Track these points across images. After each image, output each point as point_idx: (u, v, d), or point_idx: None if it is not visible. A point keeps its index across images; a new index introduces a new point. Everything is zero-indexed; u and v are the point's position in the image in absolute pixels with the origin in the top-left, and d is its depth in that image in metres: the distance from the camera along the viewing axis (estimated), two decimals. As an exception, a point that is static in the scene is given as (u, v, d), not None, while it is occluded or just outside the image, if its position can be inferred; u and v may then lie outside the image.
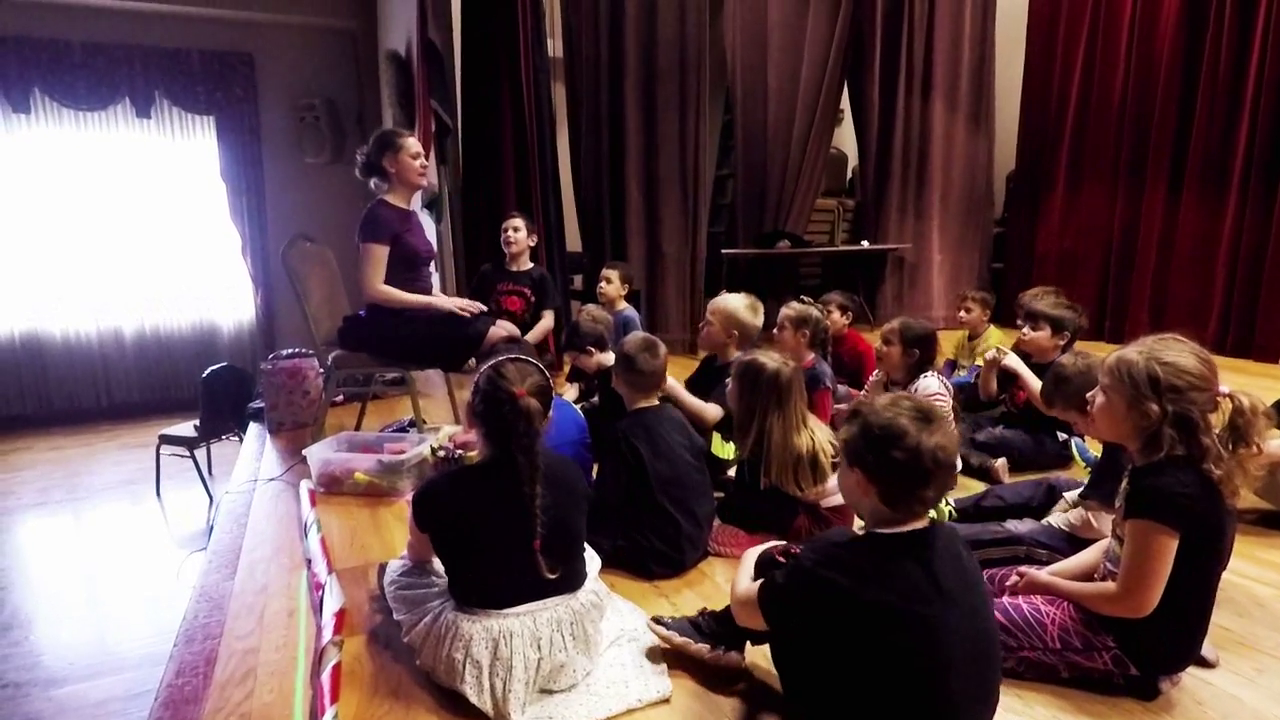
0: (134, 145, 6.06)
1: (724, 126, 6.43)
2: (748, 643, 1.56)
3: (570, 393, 3.37)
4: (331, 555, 2.09)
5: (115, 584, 3.44)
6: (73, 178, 5.94)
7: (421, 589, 1.60)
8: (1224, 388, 1.49)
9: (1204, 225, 5.13)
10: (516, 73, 4.27)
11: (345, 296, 3.26)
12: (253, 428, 3.52)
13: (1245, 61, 4.84)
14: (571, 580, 1.53)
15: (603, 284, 3.82)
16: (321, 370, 3.20)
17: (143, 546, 3.87)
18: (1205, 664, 1.65)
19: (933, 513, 2.30)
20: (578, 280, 5.13)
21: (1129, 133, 5.54)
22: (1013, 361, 2.85)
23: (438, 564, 1.62)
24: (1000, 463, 2.69)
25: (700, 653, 1.55)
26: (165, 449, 4.43)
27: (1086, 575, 1.67)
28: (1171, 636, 1.49)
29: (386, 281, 2.72)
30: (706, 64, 4.98)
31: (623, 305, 3.81)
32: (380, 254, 2.72)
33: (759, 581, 1.38)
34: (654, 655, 1.61)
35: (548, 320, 3.77)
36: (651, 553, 1.97)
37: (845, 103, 6.40)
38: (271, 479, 2.80)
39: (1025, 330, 2.96)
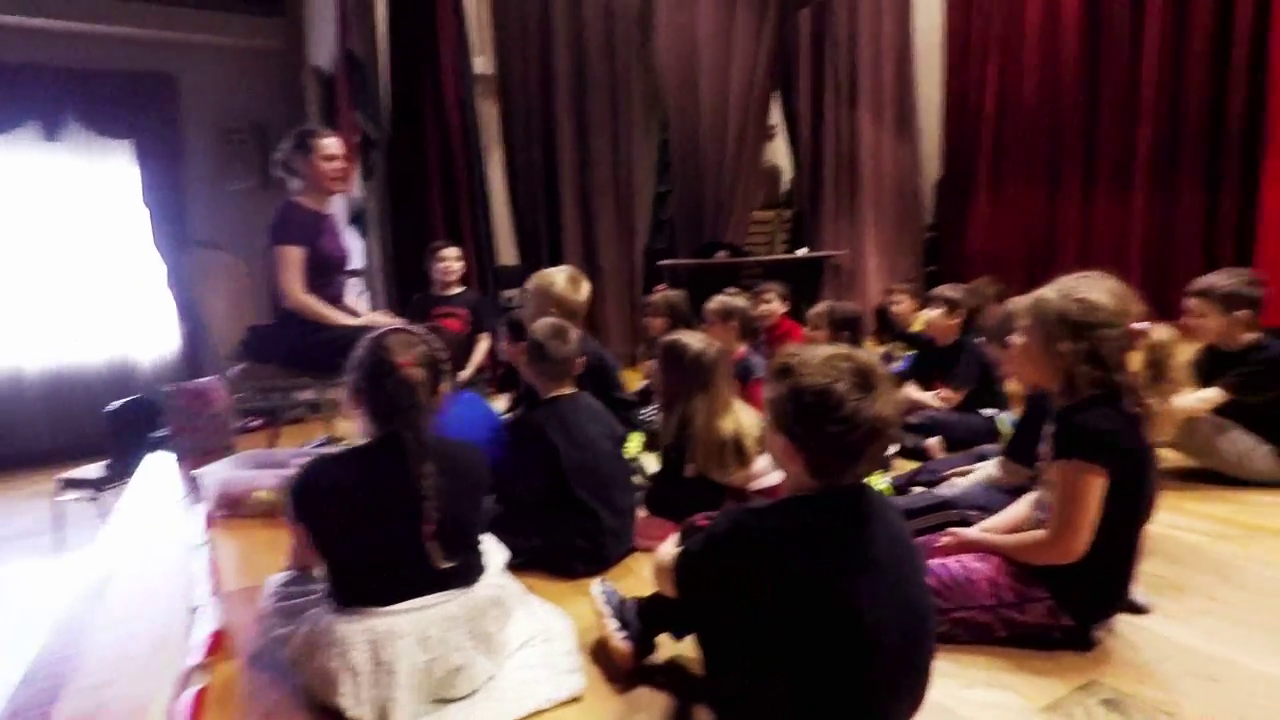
0: (42, 171, 5.72)
1: (661, 144, 6.47)
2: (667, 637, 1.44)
3: (501, 402, 3.25)
4: (219, 577, 1.90)
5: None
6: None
7: (302, 597, 1.43)
8: (1142, 324, 1.46)
9: (1116, 220, 5.33)
10: (440, 86, 4.20)
11: (256, 310, 3.07)
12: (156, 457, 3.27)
13: (1139, 65, 5.10)
14: (468, 573, 1.39)
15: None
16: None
17: (37, 604, 3.53)
18: (1139, 610, 1.61)
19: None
20: (516, 295, 5.03)
21: (1042, 136, 5.76)
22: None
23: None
24: (934, 441, 2.67)
25: (608, 630, 1.43)
26: (68, 494, 4.08)
27: (1017, 529, 1.62)
28: (1102, 580, 1.44)
29: None
30: (636, 77, 4.99)
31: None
32: (295, 256, 2.56)
33: (680, 549, 1.25)
34: (569, 653, 1.47)
35: (485, 343, 3.71)
36: (571, 550, 1.84)
37: (777, 118, 6.54)
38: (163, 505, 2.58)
39: (931, 314, 3.02)
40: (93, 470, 4.07)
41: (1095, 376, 1.41)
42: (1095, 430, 1.37)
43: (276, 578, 1.54)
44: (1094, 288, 1.45)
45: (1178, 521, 2.10)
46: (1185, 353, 1.49)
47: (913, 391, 2.93)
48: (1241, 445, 2.33)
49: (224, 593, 1.83)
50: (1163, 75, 4.93)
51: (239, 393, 2.73)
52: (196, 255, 2.80)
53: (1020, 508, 1.67)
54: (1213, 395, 2.33)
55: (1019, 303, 1.54)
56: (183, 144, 6.05)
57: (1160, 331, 1.45)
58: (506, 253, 5.00)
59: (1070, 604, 1.44)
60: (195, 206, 6.07)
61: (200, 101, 6.08)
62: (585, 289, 2.72)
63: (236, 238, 5.92)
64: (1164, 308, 4.89)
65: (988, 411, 2.81)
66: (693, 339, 2.00)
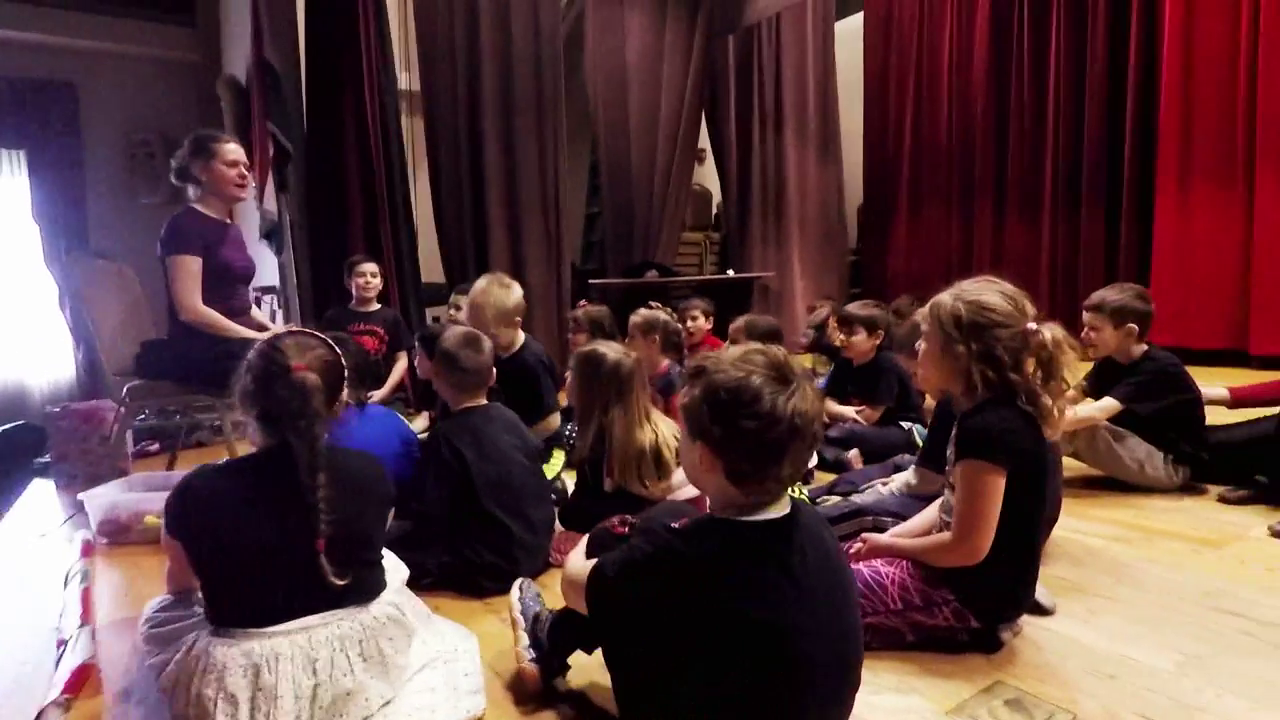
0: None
1: (592, 166, 6.50)
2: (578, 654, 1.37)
3: (420, 421, 3.14)
4: (93, 608, 1.73)
5: None
6: None
7: (180, 622, 1.31)
8: (1031, 325, 1.51)
9: (1026, 243, 5.65)
10: (361, 99, 4.10)
11: (150, 323, 2.87)
12: (36, 484, 3.01)
13: (1044, 100, 5.45)
14: (363, 591, 1.30)
15: (451, 310, 3.65)
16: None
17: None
18: (1044, 611, 1.65)
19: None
20: (442, 313, 4.91)
21: (957, 163, 6.08)
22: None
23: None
24: (853, 453, 2.71)
25: (519, 647, 1.36)
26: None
27: (927, 533, 1.64)
28: (1005, 581, 1.46)
29: None
30: (563, 94, 5.01)
31: (476, 329, 3.62)
32: (192, 266, 2.39)
33: (592, 563, 1.16)
34: (471, 673, 1.40)
35: (402, 362, 3.61)
36: (480, 566, 1.76)
37: (706, 142, 6.68)
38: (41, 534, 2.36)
39: (843, 336, 3.04)
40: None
41: (991, 377, 1.44)
42: (991, 430, 1.40)
43: (154, 602, 1.41)
44: (987, 290, 1.49)
45: (1080, 526, 2.19)
46: (1073, 358, 1.53)
47: (832, 406, 2.97)
48: (1139, 453, 2.44)
49: (98, 624, 1.67)
50: (1066, 110, 5.30)
51: (132, 413, 2.53)
52: (84, 265, 2.60)
53: (930, 513, 1.70)
54: (1108, 405, 2.45)
55: (922, 310, 1.57)
56: (82, 156, 5.71)
57: (1050, 331, 1.49)
58: (433, 271, 4.89)
59: (975, 605, 1.46)
60: (97, 221, 5.74)
61: (104, 112, 5.77)
62: (517, 291, 2.69)
63: (143, 255, 5.62)
64: (1072, 324, 5.23)
65: (906, 425, 2.88)
66: (609, 349, 1.96)
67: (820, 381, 3.68)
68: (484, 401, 1.93)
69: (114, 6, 5.61)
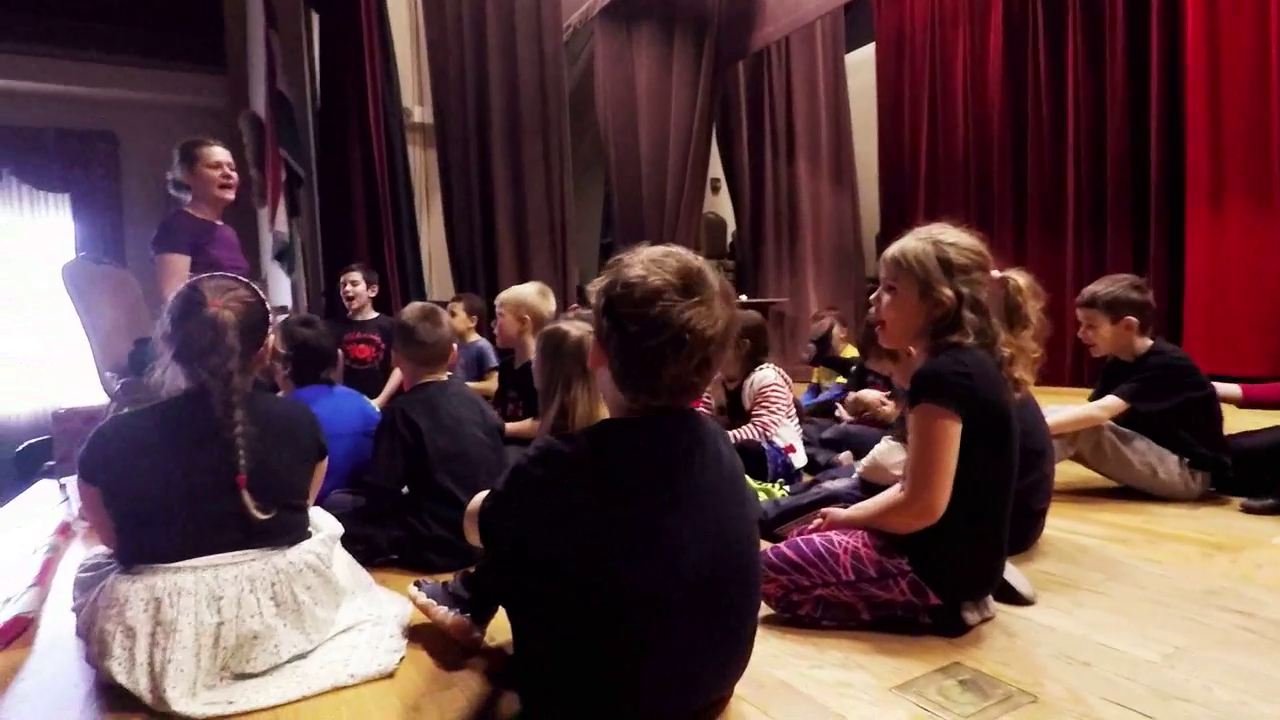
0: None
1: (606, 195, 6.61)
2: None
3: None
4: (51, 575, 1.74)
5: None
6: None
7: (104, 570, 1.30)
8: (995, 271, 1.44)
9: (1049, 263, 5.48)
10: (367, 126, 4.27)
11: (149, 324, 2.96)
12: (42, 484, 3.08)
13: (1063, 118, 5.36)
14: (279, 534, 1.27)
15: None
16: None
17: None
18: (1022, 601, 1.52)
19: (764, 491, 2.17)
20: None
21: (974, 186, 6.00)
22: None
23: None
24: (844, 455, 2.62)
25: (438, 615, 1.32)
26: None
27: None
28: (967, 551, 1.36)
29: None
30: (567, 118, 5.14)
31: (474, 337, 3.65)
32: (179, 264, 2.48)
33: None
34: (395, 635, 1.35)
35: (399, 372, 3.63)
36: (429, 540, 1.72)
37: (721, 172, 6.75)
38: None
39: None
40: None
41: (977, 321, 1.36)
42: (943, 372, 1.32)
43: (87, 554, 1.40)
44: (956, 233, 1.43)
45: (1076, 527, 2.05)
46: (1039, 307, 1.46)
47: (867, 394, 2.87)
48: (1150, 456, 2.27)
49: (53, 591, 1.67)
50: (1086, 125, 5.19)
51: (125, 408, 2.59)
52: (85, 268, 2.71)
53: (893, 490, 1.60)
54: (1110, 403, 2.29)
55: (884, 257, 1.49)
56: (121, 199, 6.05)
57: (1016, 276, 1.42)
58: (446, 292, 4.99)
59: (933, 577, 1.36)
60: (135, 258, 6.03)
61: (141, 158, 6.13)
62: (553, 302, 2.71)
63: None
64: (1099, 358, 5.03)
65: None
66: (572, 326, 1.93)
67: (827, 394, 3.59)
68: (443, 378, 1.92)
69: (151, 59, 6.00)
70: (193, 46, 6.02)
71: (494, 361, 3.40)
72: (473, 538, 1.14)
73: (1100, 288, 2.37)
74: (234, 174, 2.62)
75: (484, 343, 3.62)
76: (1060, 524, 2.03)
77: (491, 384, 3.24)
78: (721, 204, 7.13)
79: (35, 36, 5.60)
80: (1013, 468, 1.41)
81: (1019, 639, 1.39)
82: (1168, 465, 2.27)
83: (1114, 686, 1.21)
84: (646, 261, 0.97)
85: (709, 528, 1.00)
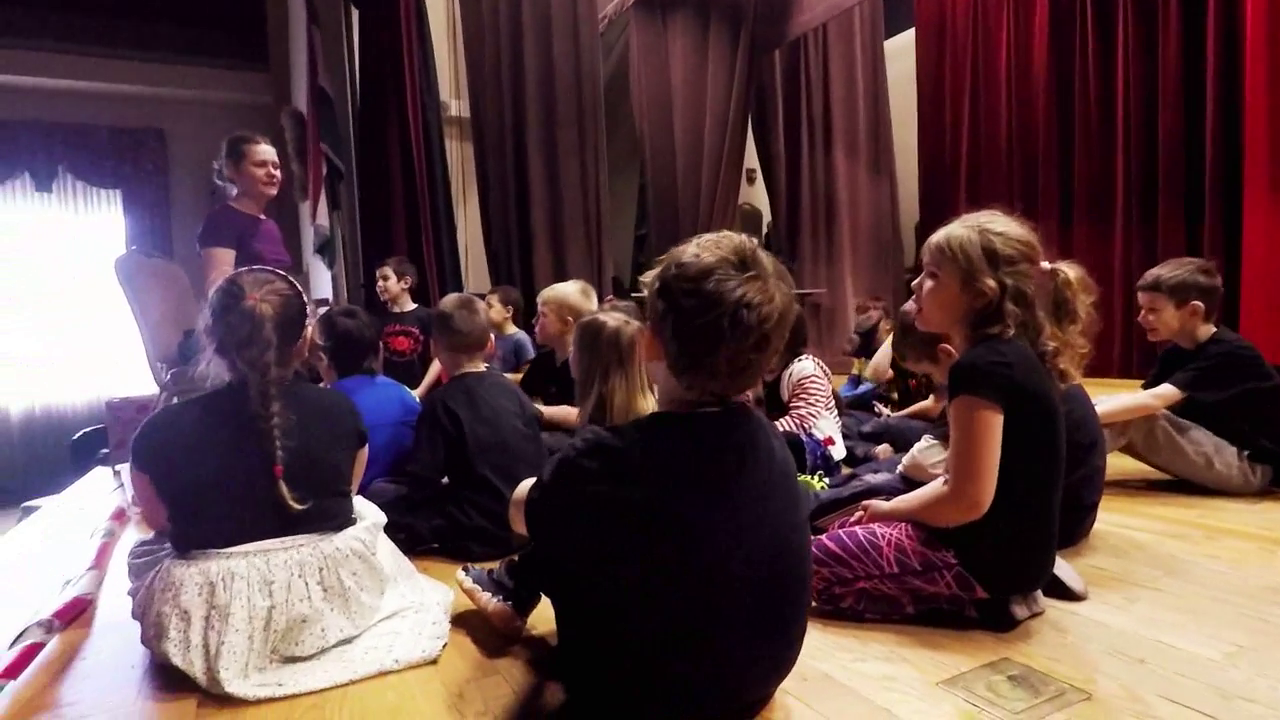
0: (33, 219, 5.90)
1: (641, 188, 6.59)
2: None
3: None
4: (108, 558, 1.81)
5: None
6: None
7: (156, 555, 1.34)
8: (1044, 263, 1.40)
9: (1096, 255, 5.30)
10: (405, 117, 4.32)
11: (197, 316, 3.05)
12: (97, 471, 3.21)
13: (1112, 102, 5.17)
14: (324, 520, 1.30)
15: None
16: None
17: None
18: (1072, 597, 1.48)
19: (803, 484, 2.14)
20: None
21: (1018, 174, 5.82)
22: None
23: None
24: (882, 448, 2.58)
25: (481, 601, 1.33)
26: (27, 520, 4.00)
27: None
28: (1013, 543, 1.32)
29: None
30: (602, 107, 5.13)
31: (511, 329, 3.68)
32: (224, 258, 2.55)
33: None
34: (438, 622, 1.37)
35: (438, 364, 3.68)
36: (469, 529, 1.74)
37: (756, 163, 6.67)
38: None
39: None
40: (54, 499, 4.01)
41: (1019, 314, 1.32)
42: (983, 364, 1.28)
43: (138, 539, 1.45)
44: (1005, 220, 1.39)
45: (1128, 521, 1.98)
46: (1090, 301, 1.41)
47: (908, 416, 2.87)
48: (1206, 447, 2.18)
49: (107, 572, 1.73)
50: (1135, 110, 5.00)
51: (173, 397, 2.67)
52: (135, 260, 2.80)
53: (937, 483, 1.57)
54: (1165, 392, 2.21)
55: (928, 242, 1.45)
56: (169, 194, 6.23)
57: (1067, 269, 1.38)
58: (482, 284, 5.05)
59: (980, 570, 1.33)
60: (182, 251, 6.21)
61: (188, 155, 6.30)
62: (594, 301, 2.73)
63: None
64: (1148, 348, 4.86)
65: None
66: (610, 316, 1.93)
67: (867, 386, 3.54)
68: (481, 368, 1.94)
69: (197, 57, 6.16)
70: (237, 44, 6.17)
71: (531, 354, 3.42)
72: (518, 527, 1.14)
73: (1165, 271, 2.28)
74: (278, 172, 2.68)
75: (521, 335, 3.64)
76: (1112, 518, 1.97)
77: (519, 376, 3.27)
78: (757, 194, 7.06)
79: (89, 37, 5.79)
80: (1060, 458, 1.37)
81: (1070, 635, 1.35)
82: (1225, 457, 2.18)
83: (1172, 685, 1.17)
84: (700, 244, 0.98)
85: (760, 525, 0.99)
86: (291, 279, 1.40)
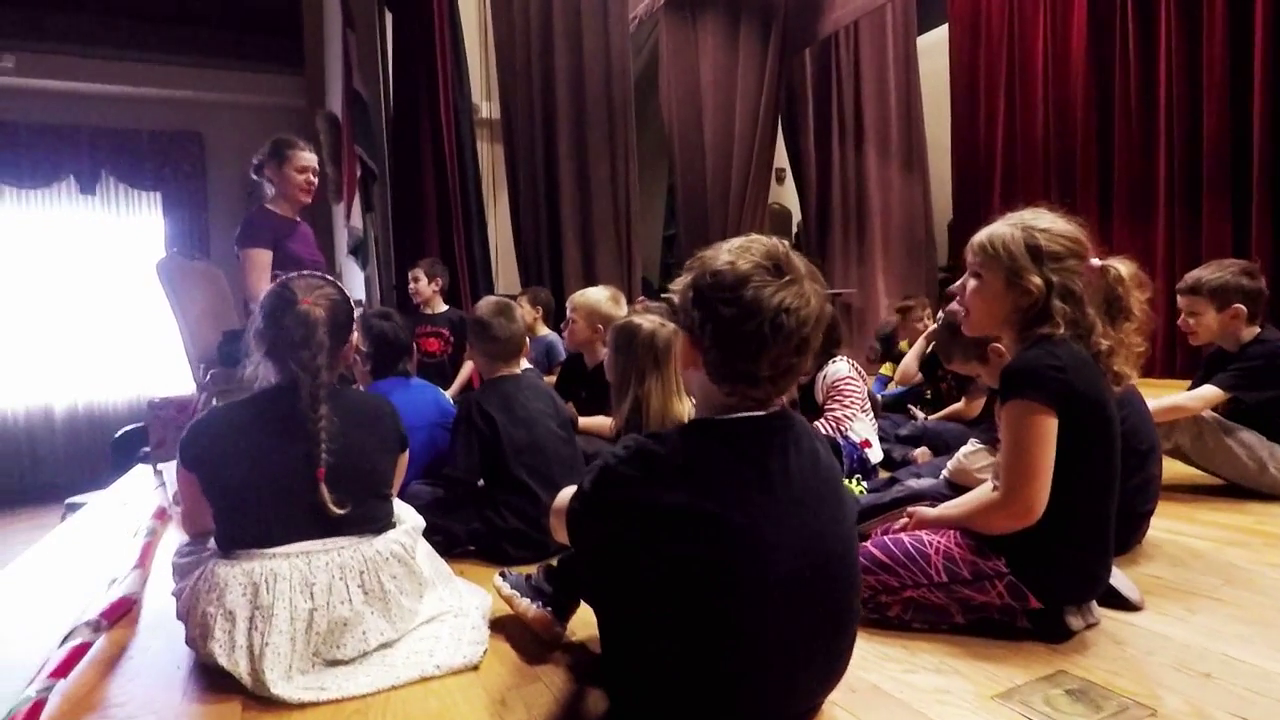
0: (77, 221, 6.06)
1: (670, 188, 6.56)
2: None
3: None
4: (151, 557, 1.83)
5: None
6: (11, 254, 5.88)
7: (199, 555, 1.35)
8: (1094, 260, 1.35)
9: (1137, 254, 5.07)
10: (438, 119, 4.34)
11: (236, 317, 3.10)
12: (138, 469, 3.27)
13: (1154, 93, 5.03)
14: (366, 523, 1.30)
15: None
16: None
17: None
18: (1128, 606, 1.42)
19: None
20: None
21: (1055, 170, 5.70)
22: None
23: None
24: (920, 451, 2.52)
25: (520, 607, 1.32)
26: (72, 517, 4.11)
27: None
28: (1069, 551, 1.28)
29: None
30: (632, 106, 5.12)
31: (543, 330, 3.68)
32: (263, 259, 2.59)
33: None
34: (477, 627, 1.36)
35: (470, 363, 3.69)
36: (506, 532, 1.73)
37: (785, 162, 6.60)
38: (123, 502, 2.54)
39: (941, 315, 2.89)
40: (96, 495, 4.11)
41: (1068, 312, 1.28)
42: (1036, 367, 1.24)
43: (182, 540, 1.46)
44: (1051, 218, 1.34)
45: (1183, 529, 1.92)
46: (1144, 297, 1.36)
47: (957, 406, 2.83)
48: (1260, 451, 2.11)
49: (153, 573, 1.75)
50: (1179, 103, 4.85)
51: (213, 397, 2.71)
52: (176, 262, 2.85)
53: (987, 486, 1.52)
54: (1207, 393, 2.14)
55: (971, 242, 1.41)
56: (207, 197, 6.36)
57: (1118, 265, 1.33)
58: (512, 285, 5.06)
59: (1033, 580, 1.28)
60: (219, 252, 6.33)
61: (225, 157, 6.41)
62: (624, 307, 2.72)
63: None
64: (1191, 346, 4.71)
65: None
66: (645, 319, 1.91)
67: (895, 390, 3.48)
68: (517, 371, 1.93)
69: (233, 61, 6.26)
70: (272, 48, 6.26)
71: (562, 355, 3.42)
72: (559, 535, 1.13)
73: (1206, 273, 2.20)
74: (316, 180, 2.71)
75: (553, 336, 3.64)
76: (1166, 524, 1.90)
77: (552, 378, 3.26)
78: (786, 194, 6.99)
79: (130, 42, 5.92)
80: (1116, 462, 1.32)
81: (1129, 647, 1.29)
82: (1278, 458, 2.10)
83: (1242, 701, 1.11)
84: (730, 250, 0.97)
85: (806, 530, 0.96)
86: (339, 283, 1.40)
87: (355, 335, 1.44)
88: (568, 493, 1.13)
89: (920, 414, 3.02)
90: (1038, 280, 1.28)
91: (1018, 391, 1.24)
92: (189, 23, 6.15)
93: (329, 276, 1.42)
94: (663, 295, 5.56)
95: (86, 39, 5.80)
